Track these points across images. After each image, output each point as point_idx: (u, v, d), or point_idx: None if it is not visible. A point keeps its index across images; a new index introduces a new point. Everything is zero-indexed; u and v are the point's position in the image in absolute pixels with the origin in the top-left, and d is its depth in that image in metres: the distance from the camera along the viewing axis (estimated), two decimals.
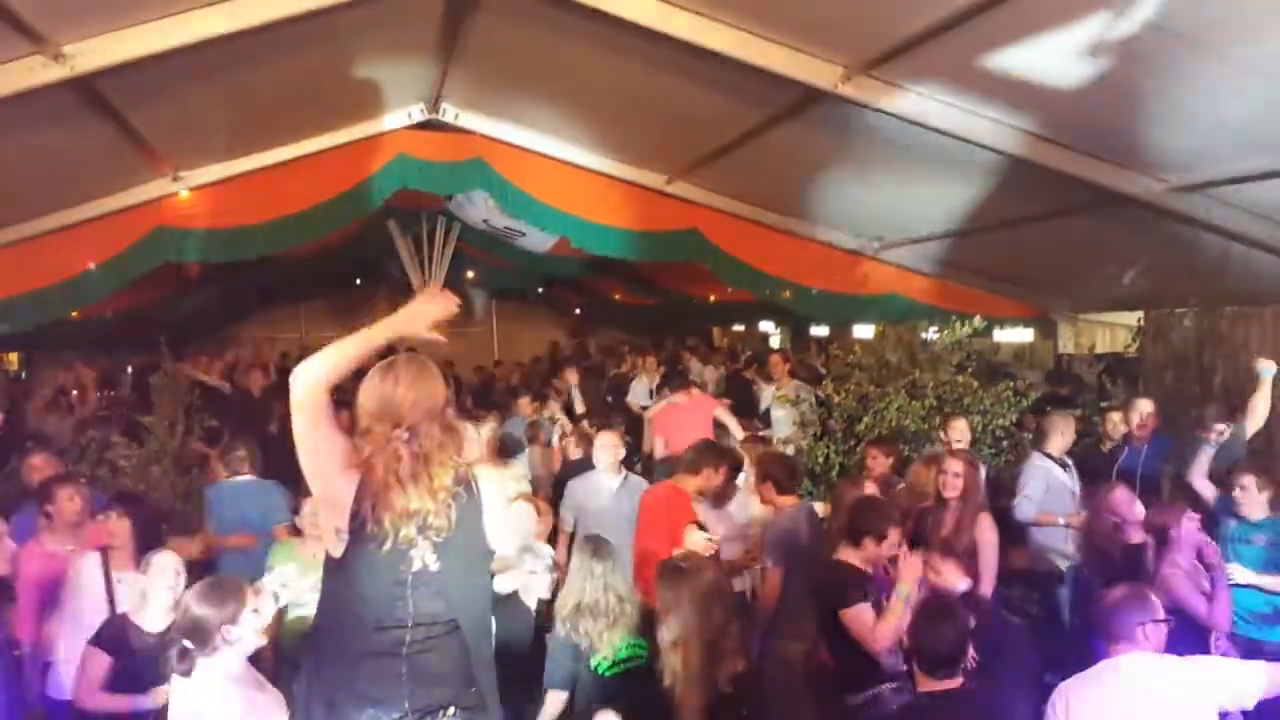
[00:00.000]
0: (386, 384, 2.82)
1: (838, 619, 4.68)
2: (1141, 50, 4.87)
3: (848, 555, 4.85)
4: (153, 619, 4.49)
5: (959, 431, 6.85)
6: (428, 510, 2.77)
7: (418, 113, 8.74)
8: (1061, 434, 6.80)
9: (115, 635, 4.46)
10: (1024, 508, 6.57)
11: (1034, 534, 6.69)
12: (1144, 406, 6.93)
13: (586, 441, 8.01)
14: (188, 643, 3.38)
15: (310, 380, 2.75)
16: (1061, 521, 6.55)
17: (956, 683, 3.54)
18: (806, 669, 5.43)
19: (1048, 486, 6.67)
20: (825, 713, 5.16)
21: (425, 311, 2.95)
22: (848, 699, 4.72)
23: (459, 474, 2.86)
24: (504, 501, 3.09)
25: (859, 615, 4.58)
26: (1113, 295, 9.38)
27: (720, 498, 6.36)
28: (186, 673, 3.36)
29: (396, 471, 2.74)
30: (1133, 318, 8.53)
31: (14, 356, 15.40)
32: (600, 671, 4.37)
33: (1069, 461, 6.87)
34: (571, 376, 11.06)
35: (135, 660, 4.37)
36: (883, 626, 4.50)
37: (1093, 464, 7.06)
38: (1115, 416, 7.17)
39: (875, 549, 4.82)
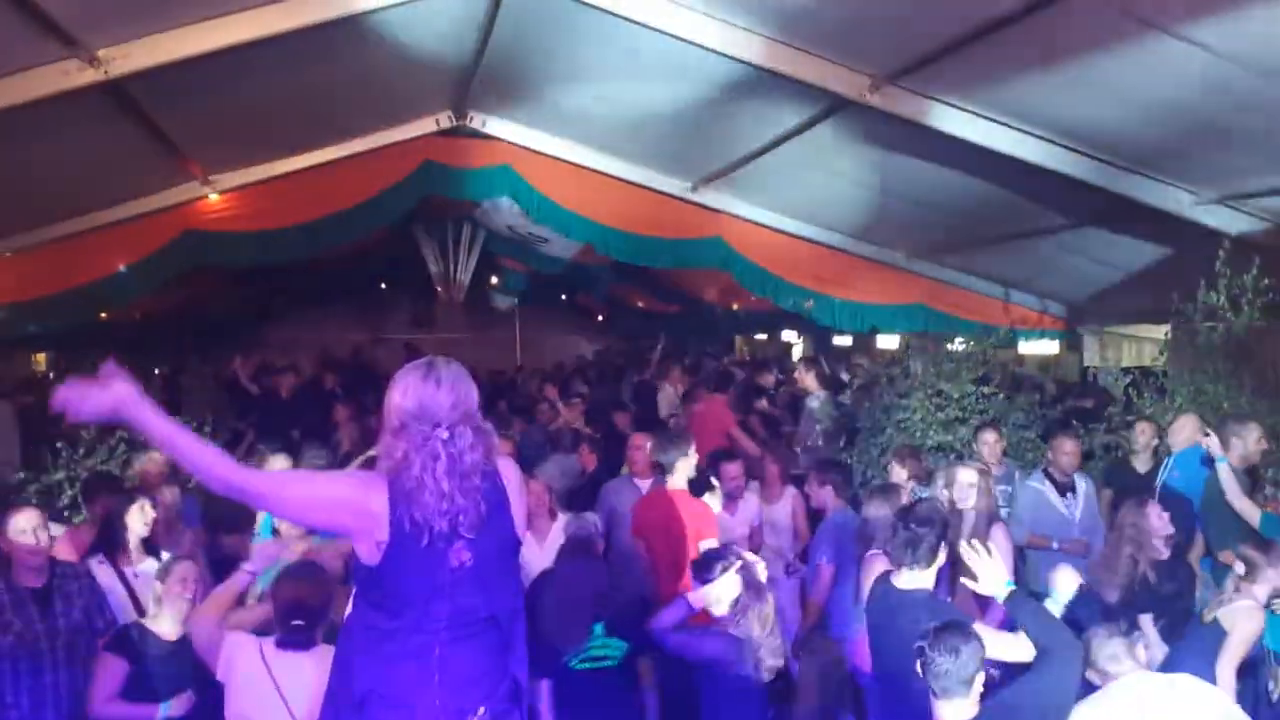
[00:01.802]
0: (427, 385, 2.85)
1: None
2: (1172, 64, 4.85)
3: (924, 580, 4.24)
4: (169, 626, 4.49)
5: (989, 443, 6.78)
6: (461, 509, 2.80)
7: (445, 120, 8.78)
8: (1062, 454, 6.68)
9: (132, 641, 4.45)
10: (1011, 530, 6.43)
11: (1028, 558, 6.50)
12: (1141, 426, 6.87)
13: (596, 449, 8.03)
14: (299, 622, 3.79)
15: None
16: (1055, 546, 6.34)
17: (974, 711, 3.41)
18: (838, 672, 5.42)
19: (1036, 508, 6.52)
20: None
21: None
22: None
23: (487, 471, 2.90)
24: (524, 491, 3.13)
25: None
26: (1140, 308, 9.32)
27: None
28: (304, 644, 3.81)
29: (434, 471, 2.77)
30: (1160, 330, 8.45)
31: (41, 357, 15.52)
32: (572, 665, 4.42)
33: (1076, 483, 6.62)
34: (552, 392, 11.07)
35: (151, 668, 4.36)
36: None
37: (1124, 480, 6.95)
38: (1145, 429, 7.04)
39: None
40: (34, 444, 8.80)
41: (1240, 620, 4.63)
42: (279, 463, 6.77)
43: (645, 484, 6.56)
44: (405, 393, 2.86)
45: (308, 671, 3.73)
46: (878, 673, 4.49)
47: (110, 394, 2.59)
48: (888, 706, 4.43)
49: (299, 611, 3.81)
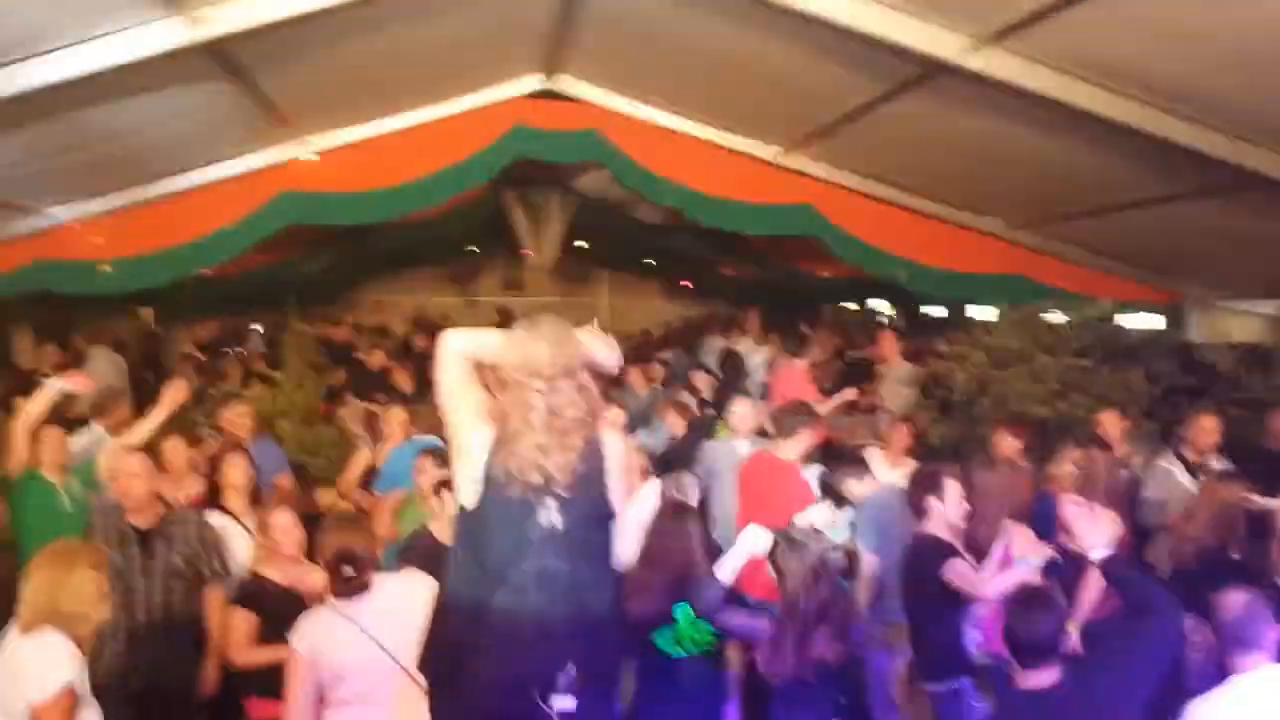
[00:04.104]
0: (530, 339, 2.92)
1: (923, 595, 4.59)
2: None
3: (926, 526, 4.84)
4: (278, 571, 4.68)
5: (1108, 423, 6.55)
6: (555, 465, 2.82)
7: (535, 83, 8.79)
8: (1200, 433, 6.39)
9: (254, 592, 4.68)
10: (1153, 512, 6.27)
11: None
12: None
13: (684, 413, 8.02)
14: (349, 569, 3.82)
15: (460, 347, 3.00)
16: None
17: (1055, 677, 3.36)
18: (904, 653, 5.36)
19: (1168, 488, 6.30)
20: (910, 700, 5.08)
21: (595, 345, 3.11)
22: (928, 687, 4.64)
23: (587, 435, 2.90)
24: (627, 465, 3.13)
25: (955, 567, 4.47)
26: (1251, 282, 8.92)
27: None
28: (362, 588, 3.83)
29: (530, 421, 2.82)
30: (1272, 306, 8.11)
31: (149, 312, 16.06)
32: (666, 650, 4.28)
33: (1211, 464, 6.36)
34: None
35: (273, 613, 4.56)
36: (993, 580, 4.37)
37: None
38: None
39: (941, 510, 4.75)
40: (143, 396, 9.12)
41: None
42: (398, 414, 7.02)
43: (745, 446, 6.60)
44: (510, 346, 2.92)
45: (377, 607, 3.82)
46: None
47: None
48: None
49: (348, 560, 3.86)
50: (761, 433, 7.06)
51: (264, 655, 4.54)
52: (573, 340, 2.96)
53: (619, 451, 3.10)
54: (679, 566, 4.36)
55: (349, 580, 3.85)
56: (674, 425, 8.01)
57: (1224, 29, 4.88)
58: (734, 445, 6.78)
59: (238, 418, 6.88)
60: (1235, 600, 3.54)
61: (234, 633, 4.64)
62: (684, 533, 4.47)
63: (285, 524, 4.74)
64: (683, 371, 11.72)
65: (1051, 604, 3.47)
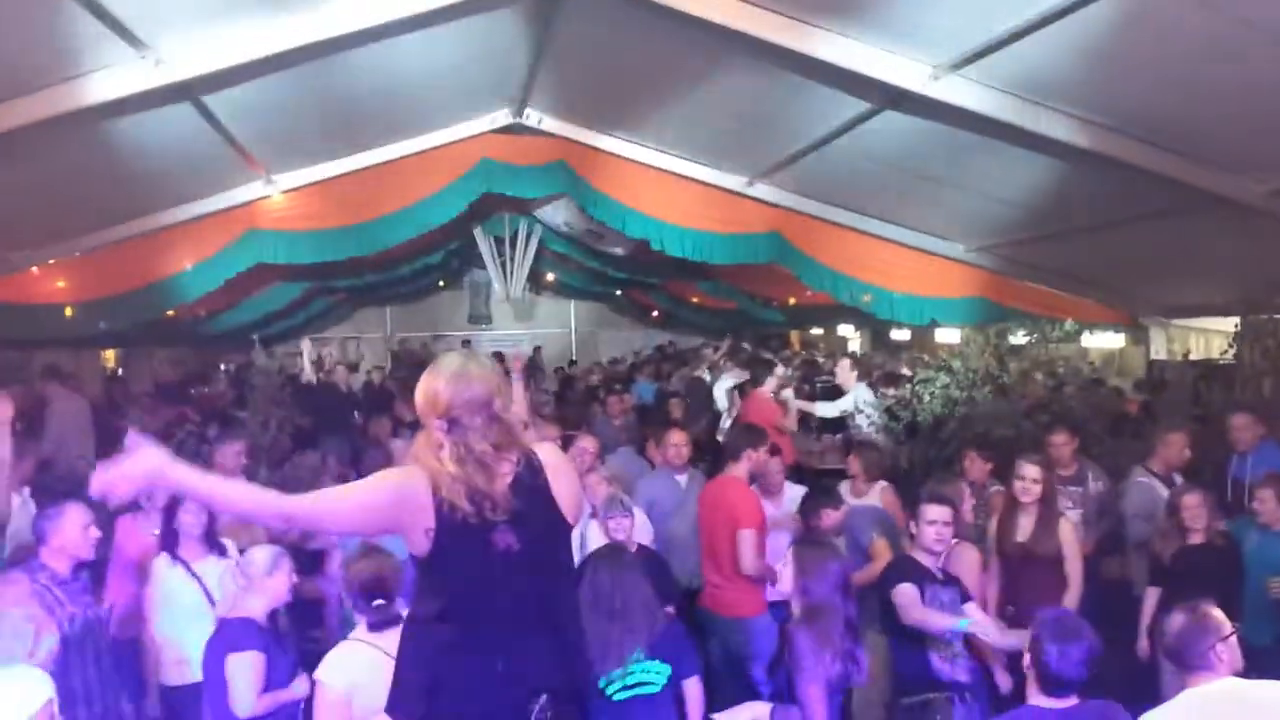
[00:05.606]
0: (428, 379, 2.92)
1: (886, 612, 4.71)
2: (1240, 49, 4.73)
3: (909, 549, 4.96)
4: (260, 611, 4.55)
5: (1057, 444, 6.65)
6: (485, 493, 2.81)
7: (502, 117, 8.84)
8: (1172, 449, 6.53)
9: (249, 636, 4.49)
10: (1137, 527, 6.38)
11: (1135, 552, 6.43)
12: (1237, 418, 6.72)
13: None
14: (380, 600, 3.78)
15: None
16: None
17: (1073, 701, 3.36)
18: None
19: (1153, 503, 6.35)
20: (891, 710, 5.11)
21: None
22: (901, 699, 4.70)
23: (516, 455, 2.91)
24: (570, 474, 3.12)
25: (904, 593, 4.59)
26: (1208, 300, 9.10)
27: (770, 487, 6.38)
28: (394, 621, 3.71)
29: (440, 459, 2.81)
30: (1229, 323, 8.25)
31: (110, 354, 15.87)
32: (610, 694, 4.03)
33: (1177, 479, 6.49)
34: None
35: (266, 656, 4.43)
36: (933, 614, 4.46)
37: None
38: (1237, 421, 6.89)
39: (915, 529, 4.87)
40: (107, 439, 9.04)
41: None
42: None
43: (682, 477, 6.67)
44: (418, 390, 2.94)
45: None
46: None
47: (142, 467, 2.53)
48: None
49: (378, 590, 3.82)
50: (694, 462, 7.18)
51: (271, 701, 4.28)
52: (476, 373, 2.92)
53: (562, 465, 3.09)
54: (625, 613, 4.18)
55: (380, 609, 3.80)
56: (654, 456, 8.05)
57: (1173, 55, 5.02)
58: (673, 475, 6.85)
59: (233, 456, 6.70)
60: (1175, 622, 3.53)
61: (243, 682, 4.30)
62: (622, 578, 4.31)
63: (288, 567, 4.58)
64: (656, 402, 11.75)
65: (1090, 638, 3.41)
